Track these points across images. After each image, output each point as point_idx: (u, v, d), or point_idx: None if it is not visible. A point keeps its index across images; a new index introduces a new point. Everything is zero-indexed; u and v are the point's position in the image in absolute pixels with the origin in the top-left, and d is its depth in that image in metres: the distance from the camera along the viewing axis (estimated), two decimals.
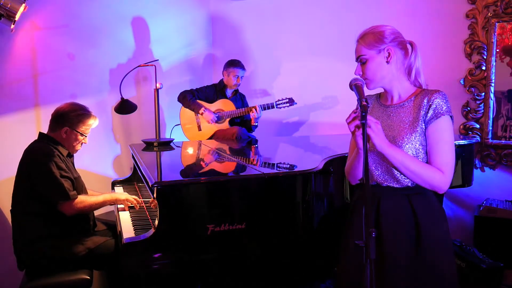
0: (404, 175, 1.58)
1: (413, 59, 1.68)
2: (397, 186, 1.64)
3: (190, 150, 3.25)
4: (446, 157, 1.57)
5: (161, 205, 1.88)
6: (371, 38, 1.63)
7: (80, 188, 2.46)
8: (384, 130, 1.65)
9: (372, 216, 1.63)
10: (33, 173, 2.29)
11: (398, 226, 1.61)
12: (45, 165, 2.27)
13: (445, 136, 1.58)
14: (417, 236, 1.59)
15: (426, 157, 1.62)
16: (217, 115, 3.69)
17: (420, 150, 1.60)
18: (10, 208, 2.41)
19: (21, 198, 2.34)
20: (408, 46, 1.68)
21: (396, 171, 1.62)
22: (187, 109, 3.75)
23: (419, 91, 1.67)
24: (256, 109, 3.62)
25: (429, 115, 1.58)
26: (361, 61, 1.65)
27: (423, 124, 1.60)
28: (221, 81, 3.85)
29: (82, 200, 2.33)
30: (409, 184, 1.63)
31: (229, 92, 3.85)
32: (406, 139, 1.60)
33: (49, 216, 2.30)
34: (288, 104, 3.67)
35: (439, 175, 1.55)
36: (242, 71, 3.78)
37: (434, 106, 1.58)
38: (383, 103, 1.73)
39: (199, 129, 3.75)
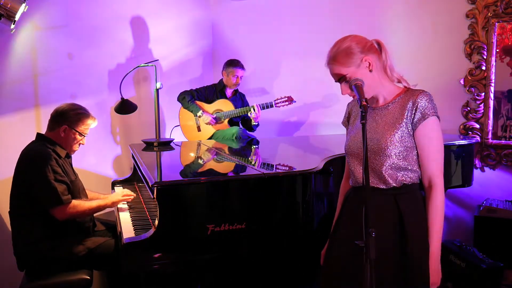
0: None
1: (385, 57, 1.66)
2: (383, 187, 1.64)
3: (190, 150, 3.25)
4: (436, 162, 1.60)
5: (161, 205, 1.87)
6: (344, 56, 1.59)
7: (77, 191, 2.45)
8: (369, 133, 1.65)
9: (361, 215, 1.64)
10: (28, 176, 2.29)
11: (384, 225, 1.61)
12: (40, 168, 2.25)
13: (434, 139, 1.59)
14: (402, 234, 1.60)
15: (416, 158, 1.62)
16: (214, 116, 3.69)
17: (406, 152, 1.60)
18: (9, 210, 2.41)
19: (19, 199, 2.33)
20: (376, 45, 1.66)
21: (383, 173, 1.62)
22: (187, 110, 3.76)
23: (404, 91, 1.66)
24: (254, 109, 3.62)
25: (415, 117, 1.58)
26: (345, 80, 1.61)
27: (409, 126, 1.59)
28: (221, 81, 3.85)
29: (76, 205, 2.31)
30: (395, 185, 1.63)
31: (228, 92, 3.85)
32: (389, 142, 1.59)
33: (48, 217, 2.29)
34: (287, 103, 3.66)
35: (437, 196, 1.59)
36: (242, 70, 3.78)
37: (420, 108, 1.57)
38: (369, 106, 1.71)
39: (199, 129, 3.76)
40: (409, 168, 1.62)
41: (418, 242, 1.59)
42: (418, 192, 1.66)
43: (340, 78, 1.63)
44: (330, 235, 1.84)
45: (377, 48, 1.65)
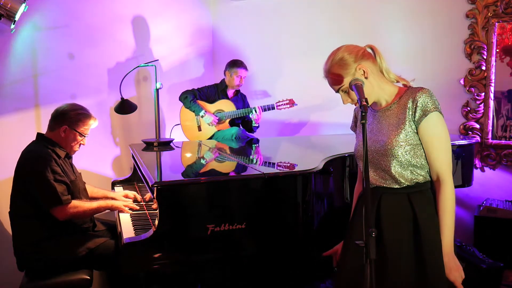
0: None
1: (380, 61, 1.68)
2: (396, 186, 1.66)
3: (190, 150, 3.25)
4: (442, 157, 1.60)
5: (161, 205, 1.88)
6: (338, 68, 1.63)
7: (77, 191, 2.44)
8: (375, 135, 1.68)
9: (373, 215, 1.64)
10: (27, 177, 2.29)
11: (398, 225, 1.63)
12: (39, 169, 2.25)
13: (438, 134, 1.60)
14: (416, 233, 1.61)
15: (425, 154, 1.63)
16: (217, 117, 3.70)
17: (413, 150, 1.61)
18: (9, 210, 2.41)
19: (18, 200, 2.33)
20: (370, 51, 1.68)
21: (393, 173, 1.63)
22: (188, 109, 3.76)
23: (404, 91, 1.67)
24: (256, 110, 3.63)
25: (417, 115, 1.59)
26: (344, 90, 1.66)
27: (412, 124, 1.61)
28: (223, 81, 3.86)
29: (76, 205, 2.31)
30: (408, 183, 1.64)
31: (230, 92, 3.86)
32: (394, 142, 1.61)
33: (48, 217, 2.29)
34: (288, 106, 3.67)
35: (446, 191, 1.59)
36: (245, 71, 3.79)
37: (420, 105, 1.58)
38: (373, 108, 1.75)
39: (199, 129, 3.76)
40: (418, 165, 1.63)
41: (433, 239, 1.59)
42: (431, 191, 1.66)
43: (339, 89, 1.66)
44: (345, 237, 1.85)
45: (371, 54, 1.68)
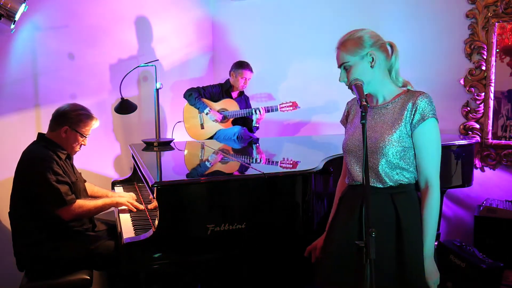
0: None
1: (394, 61, 1.68)
2: (380, 186, 1.65)
3: (190, 150, 3.25)
4: (433, 163, 1.61)
5: (161, 205, 1.88)
6: (352, 44, 1.62)
7: (78, 192, 2.43)
8: (368, 131, 1.65)
9: (358, 215, 1.65)
10: (29, 179, 2.28)
11: (381, 224, 1.61)
12: (41, 171, 2.24)
13: (432, 140, 1.60)
14: (399, 233, 1.61)
15: (413, 158, 1.64)
16: (222, 114, 3.71)
17: (403, 152, 1.61)
18: (9, 210, 2.41)
19: (19, 200, 2.33)
20: (388, 47, 1.68)
21: (380, 172, 1.63)
22: (192, 107, 3.76)
23: (404, 92, 1.67)
24: (260, 111, 3.64)
25: (415, 118, 1.59)
26: (345, 68, 1.65)
27: (408, 126, 1.60)
28: (227, 81, 3.87)
29: (81, 204, 2.31)
30: (392, 184, 1.63)
31: (234, 93, 3.88)
32: (387, 141, 1.60)
33: (48, 218, 2.28)
34: (291, 108, 3.69)
35: (432, 196, 1.60)
36: (250, 73, 3.81)
37: (420, 109, 1.58)
38: (368, 105, 1.73)
39: (202, 127, 3.77)
40: (406, 168, 1.63)
41: (414, 241, 1.60)
42: (415, 192, 1.66)
43: (342, 64, 1.65)
44: (326, 232, 1.85)
45: (389, 50, 1.67)
